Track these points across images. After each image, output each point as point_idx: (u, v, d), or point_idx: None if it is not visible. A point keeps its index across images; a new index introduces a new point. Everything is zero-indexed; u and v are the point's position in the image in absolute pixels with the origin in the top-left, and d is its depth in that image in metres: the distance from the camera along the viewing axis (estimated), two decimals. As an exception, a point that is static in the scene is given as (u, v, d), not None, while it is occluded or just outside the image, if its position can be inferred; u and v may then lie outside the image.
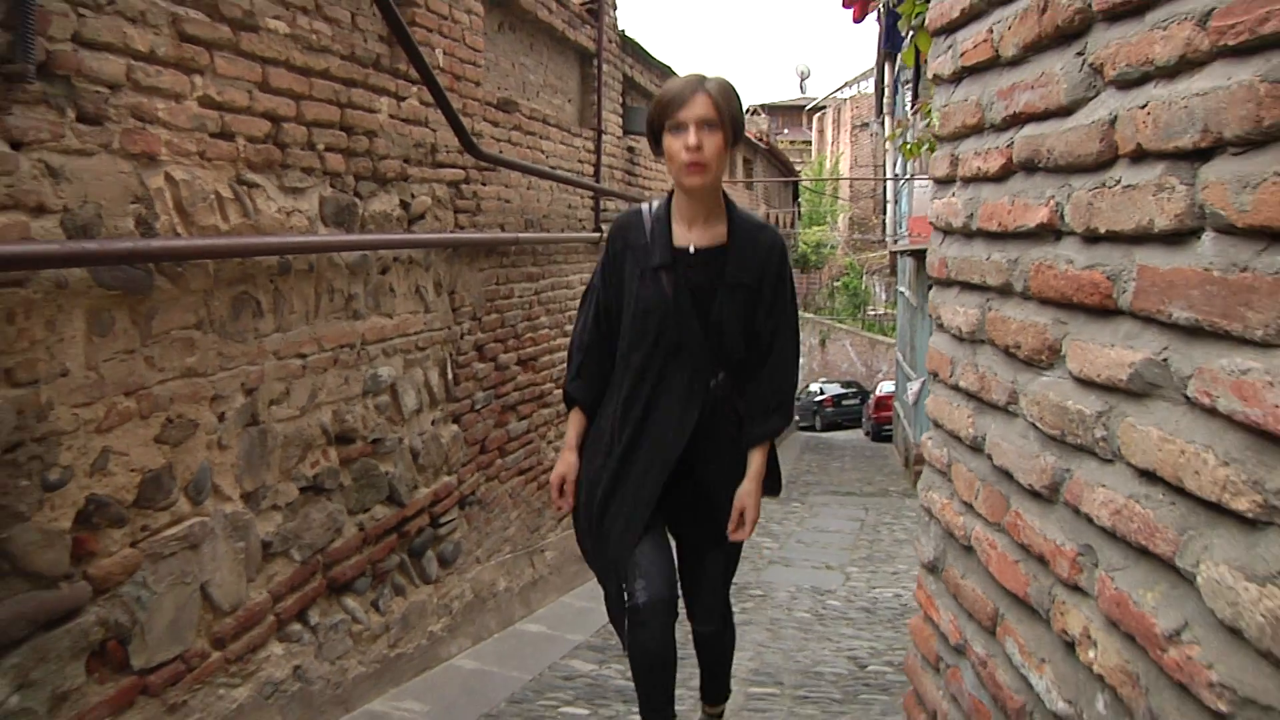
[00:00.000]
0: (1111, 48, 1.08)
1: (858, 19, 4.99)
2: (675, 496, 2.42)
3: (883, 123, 17.47)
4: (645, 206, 2.48)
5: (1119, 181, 1.05)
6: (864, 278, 35.60)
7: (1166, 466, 0.96)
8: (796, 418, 23.63)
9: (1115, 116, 1.06)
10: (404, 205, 3.82)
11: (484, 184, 4.56)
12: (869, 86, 34.62)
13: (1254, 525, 0.83)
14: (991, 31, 1.42)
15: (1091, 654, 1.10)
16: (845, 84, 45.18)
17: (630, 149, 7.26)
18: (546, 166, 5.38)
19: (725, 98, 2.28)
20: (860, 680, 4.28)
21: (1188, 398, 0.93)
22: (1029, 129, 1.30)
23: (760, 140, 15.96)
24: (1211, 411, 0.89)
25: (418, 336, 3.94)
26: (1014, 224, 1.33)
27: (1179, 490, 0.94)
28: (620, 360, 2.45)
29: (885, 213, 25.98)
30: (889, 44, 13.36)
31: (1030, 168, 1.29)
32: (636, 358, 2.39)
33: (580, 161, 6.15)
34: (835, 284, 37.04)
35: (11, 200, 2.08)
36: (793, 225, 24.82)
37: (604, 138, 6.47)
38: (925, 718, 1.77)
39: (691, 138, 2.22)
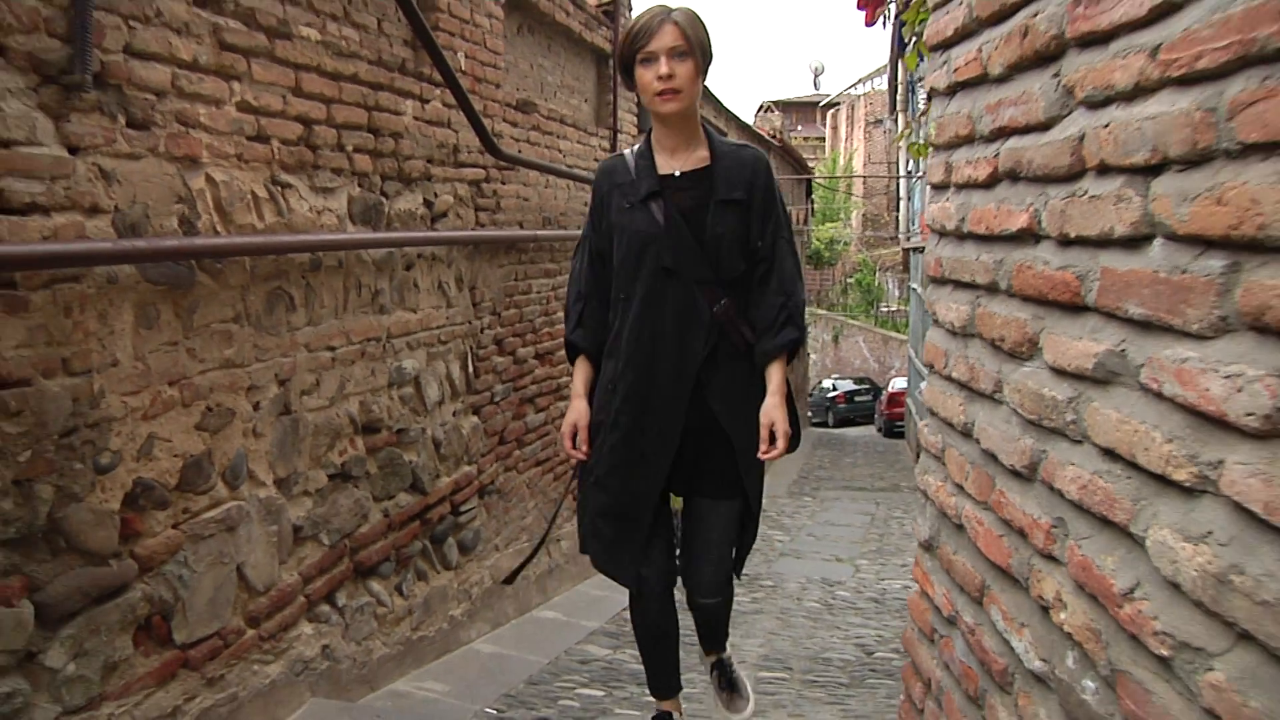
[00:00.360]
0: (1081, 72, 1.21)
1: (869, 23, 5.11)
2: (685, 436, 2.39)
3: (895, 120, 17.56)
4: (627, 150, 2.52)
5: (1086, 192, 1.18)
6: (877, 274, 35.64)
7: (1124, 445, 1.08)
8: (810, 413, 23.73)
9: (1084, 134, 1.19)
10: (427, 204, 3.96)
11: (503, 183, 4.70)
12: (883, 83, 34.67)
13: (1191, 493, 0.96)
14: (981, 50, 1.54)
15: (1062, 615, 1.23)
16: (859, 80, 45.15)
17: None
18: (564, 165, 5.51)
19: (692, 26, 2.30)
20: (867, 666, 4.41)
21: (1141, 384, 1.06)
22: (1012, 141, 1.42)
23: (774, 138, 16.06)
24: (1159, 395, 1.02)
25: (440, 330, 4.08)
26: (999, 228, 1.46)
27: (1133, 465, 1.06)
28: (617, 298, 2.43)
29: (898, 210, 26.07)
30: (901, 43, 13.43)
31: (1013, 177, 1.42)
32: (636, 287, 2.38)
33: (595, 160, 6.28)
34: (848, 280, 37.10)
35: (69, 201, 2.22)
36: (805, 222, 24.90)
37: (619, 136, 6.60)
38: (921, 686, 1.90)
39: (663, 67, 2.25)
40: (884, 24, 4.43)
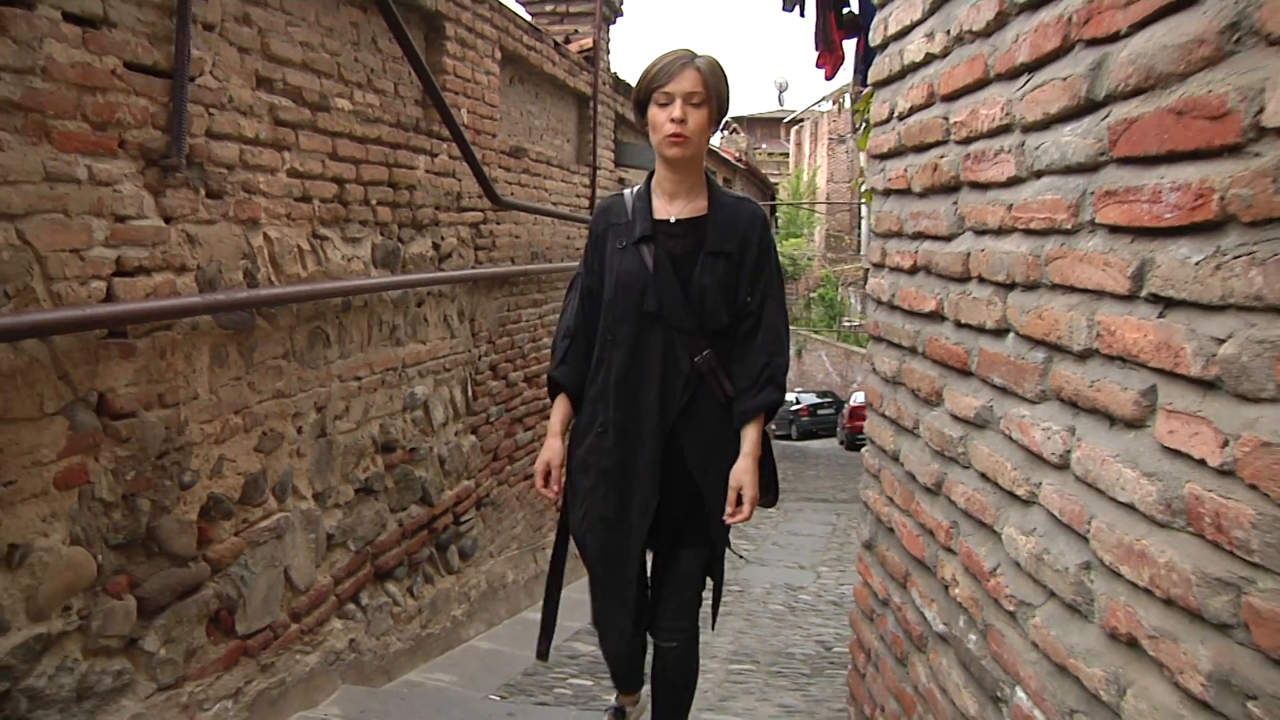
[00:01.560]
0: (970, 206, 1.71)
1: (829, 78, 5.64)
2: (660, 485, 2.37)
3: (856, 140, 18.20)
4: (627, 190, 2.51)
5: (970, 293, 1.69)
6: (840, 289, 36.34)
7: (991, 470, 1.59)
8: (772, 426, 24.28)
9: (970, 251, 1.70)
10: (435, 246, 4.43)
11: (498, 223, 5.18)
12: (846, 100, 35.45)
13: (1026, 503, 1.46)
14: (906, 170, 2.05)
15: (956, 590, 1.73)
16: (823, 98, 45.96)
17: (621, 180, 7.89)
18: (549, 204, 6.00)
19: (714, 75, 2.28)
20: (826, 659, 4.92)
21: (1001, 430, 1.56)
22: (926, 244, 1.93)
23: (739, 161, 16.63)
24: (1009, 438, 1.52)
25: (445, 359, 4.55)
26: (917, 307, 1.97)
27: (996, 485, 1.57)
28: (603, 338, 2.41)
29: (859, 227, 26.71)
30: (864, 68, 14.02)
31: (927, 271, 1.92)
32: (620, 332, 2.36)
33: (577, 196, 6.78)
34: (812, 295, 37.78)
35: (165, 263, 2.68)
36: (770, 239, 25.53)
37: (598, 173, 7.10)
38: (863, 656, 2.40)
39: (677, 110, 2.23)
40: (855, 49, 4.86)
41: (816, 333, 34.02)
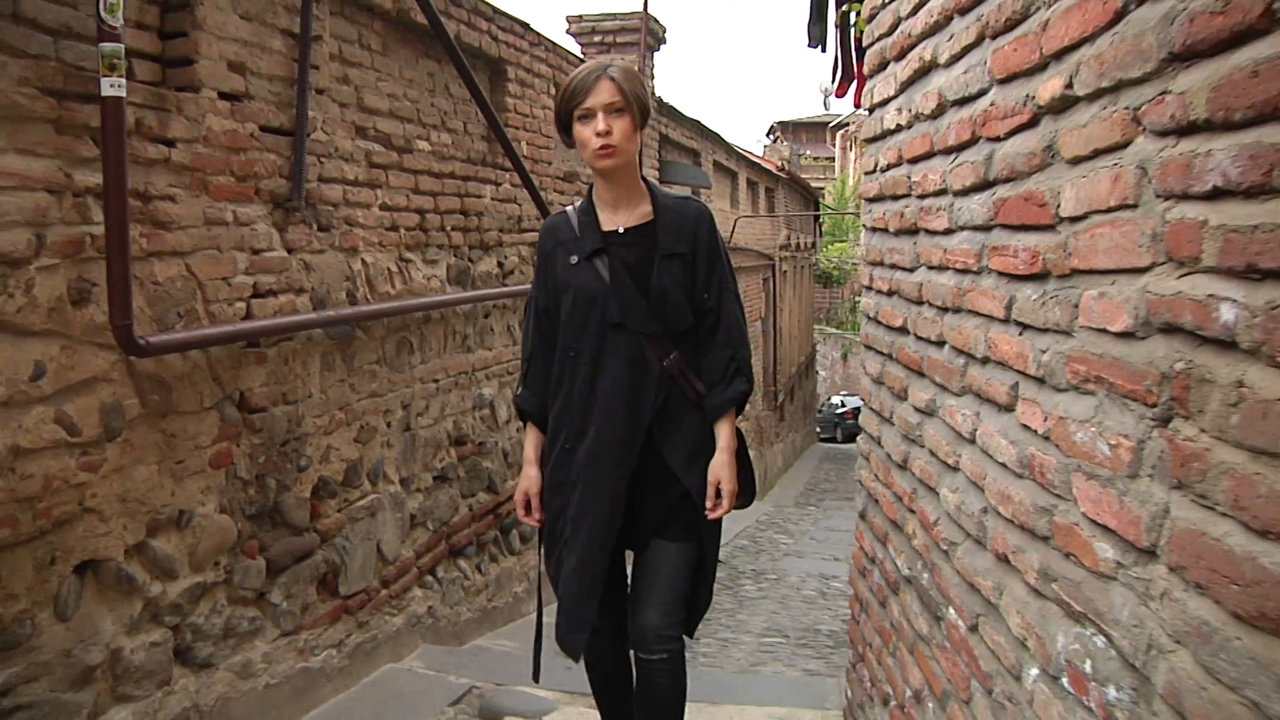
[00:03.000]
0: (923, 246, 2.24)
1: (857, 105, 6.12)
2: (636, 485, 2.36)
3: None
4: (569, 208, 2.50)
5: (923, 314, 2.21)
6: (885, 293, 36.44)
7: (936, 447, 2.11)
8: (817, 429, 24.67)
9: (922, 281, 2.22)
10: (500, 265, 5.02)
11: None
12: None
13: (954, 470, 1.98)
14: (885, 214, 2.58)
15: (915, 541, 2.25)
16: (867, 103, 46.02)
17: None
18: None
19: (629, 81, 2.31)
20: (848, 668, 5.41)
21: (940, 418, 2.09)
22: (897, 274, 2.45)
23: (781, 171, 17.10)
24: (945, 423, 2.04)
25: (508, 364, 5.13)
26: (891, 322, 2.49)
27: (937, 457, 2.09)
28: (566, 354, 2.39)
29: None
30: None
31: (898, 294, 2.45)
32: (585, 343, 2.35)
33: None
34: (857, 299, 38.05)
35: (288, 286, 3.28)
36: (814, 245, 25.92)
37: (643, 191, 7.66)
38: (858, 605, 2.93)
39: (600, 123, 2.25)
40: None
41: (854, 329, 34.28)
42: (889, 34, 2.56)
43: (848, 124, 48.51)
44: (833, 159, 50.02)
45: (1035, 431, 1.54)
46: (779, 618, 5.88)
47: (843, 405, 26.72)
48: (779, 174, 16.88)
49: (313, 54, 3.35)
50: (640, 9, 7.69)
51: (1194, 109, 1.09)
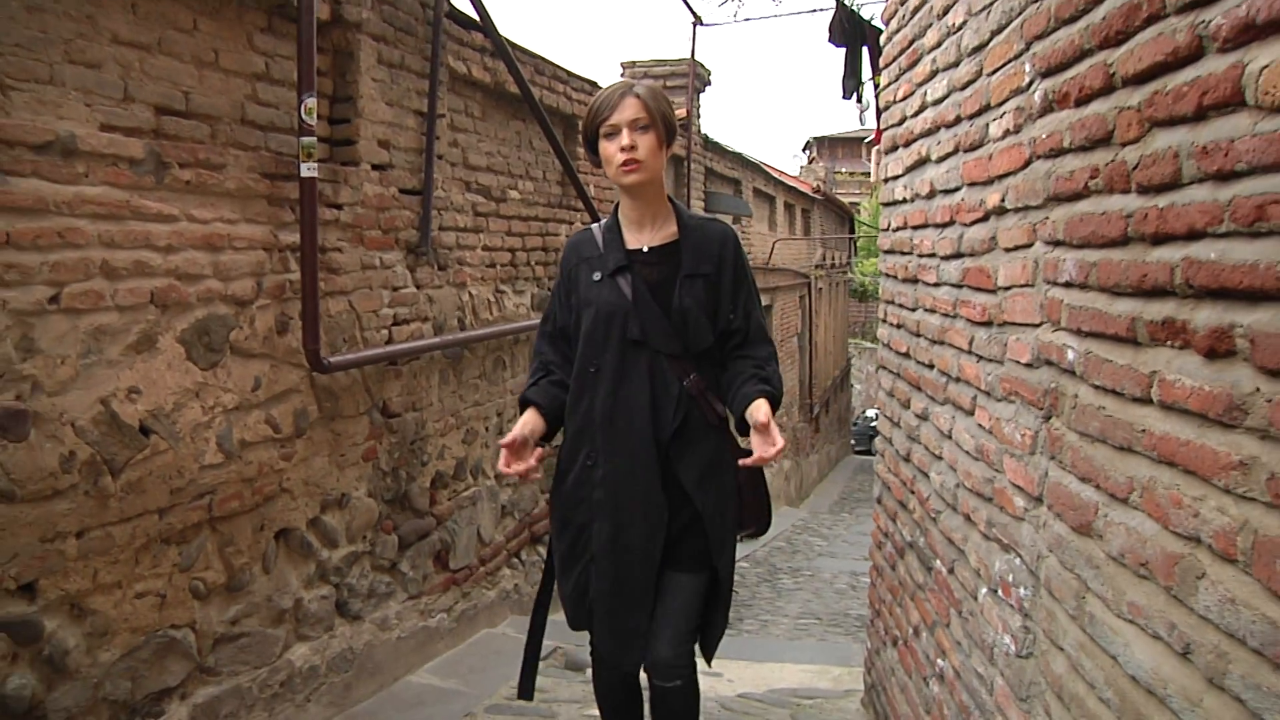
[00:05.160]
0: (919, 294, 2.97)
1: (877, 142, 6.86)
2: (665, 506, 2.34)
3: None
4: (595, 225, 2.50)
5: (920, 344, 2.95)
6: (920, 308, 36.86)
7: (927, 443, 2.84)
8: (852, 441, 25.27)
9: (919, 319, 2.96)
10: (571, 292, 5.81)
11: (614, 270, 6.54)
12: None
13: (938, 458, 2.71)
14: (894, 265, 3.32)
15: (915, 515, 2.98)
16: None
17: (709, 224, 9.22)
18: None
19: (654, 99, 2.32)
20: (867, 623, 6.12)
21: (931, 421, 2.82)
22: (903, 312, 3.19)
23: (816, 192, 17.82)
24: (934, 424, 2.78)
25: (576, 378, 5.91)
26: (899, 349, 3.23)
27: (928, 450, 2.82)
28: (583, 370, 2.36)
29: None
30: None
31: (903, 327, 3.18)
32: (605, 360, 2.33)
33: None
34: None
35: (417, 316, 4.08)
36: (848, 262, 26.56)
37: (690, 220, 8.44)
38: (875, 573, 3.66)
39: (625, 139, 2.26)
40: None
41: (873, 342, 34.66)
42: (898, 125, 3.31)
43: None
44: (868, 174, 50.56)
45: (984, 428, 2.29)
46: (813, 605, 6.60)
47: (877, 418, 27.17)
48: (814, 196, 17.60)
49: (435, 127, 4.16)
50: (688, 56, 8.48)
51: (1058, 232, 1.84)
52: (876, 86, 6.16)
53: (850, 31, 6.64)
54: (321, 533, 3.53)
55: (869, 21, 6.59)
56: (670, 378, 2.35)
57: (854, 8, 6.61)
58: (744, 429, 2.32)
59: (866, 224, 37.34)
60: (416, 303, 4.08)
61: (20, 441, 2.35)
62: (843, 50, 6.71)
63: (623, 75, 8.81)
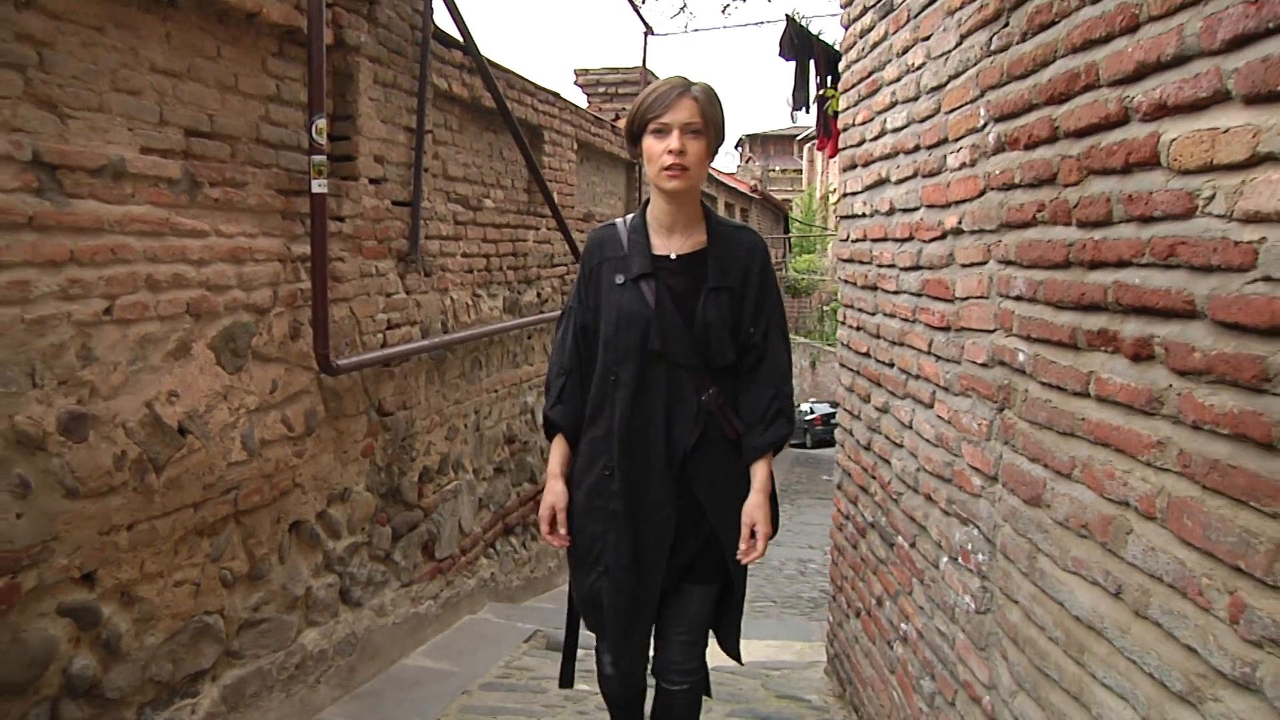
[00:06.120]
0: (879, 299, 3.33)
1: (831, 157, 7.25)
2: (674, 523, 2.35)
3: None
4: (620, 221, 2.43)
5: (880, 344, 3.31)
6: (852, 304, 37.62)
7: (888, 433, 3.20)
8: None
9: (879, 323, 3.32)
10: (538, 295, 6.09)
11: (573, 273, 6.83)
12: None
13: (899, 446, 3.07)
14: (854, 272, 3.68)
15: (877, 497, 3.34)
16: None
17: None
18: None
19: (710, 104, 2.25)
20: (827, 596, 6.51)
21: (891, 413, 3.18)
22: (862, 316, 3.55)
23: (754, 192, 18.29)
24: (894, 416, 3.14)
25: (542, 377, 6.19)
26: (859, 349, 3.59)
27: (889, 439, 3.19)
28: (606, 377, 2.33)
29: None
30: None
31: (863, 330, 3.54)
32: (625, 369, 2.30)
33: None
34: (825, 309, 39.29)
35: (407, 320, 4.34)
36: (783, 258, 27.15)
37: (643, 223, 8.78)
38: (836, 551, 4.03)
39: (675, 142, 2.19)
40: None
41: (830, 345, 35.49)
42: (857, 146, 3.67)
43: (814, 137, 49.89)
44: (800, 171, 51.36)
45: (943, 419, 2.65)
46: (766, 589, 6.99)
47: (811, 412, 27.63)
48: (752, 195, 18.05)
49: (423, 142, 4.42)
50: (640, 64, 8.79)
51: (1010, 254, 2.20)
52: (823, 100, 6.55)
53: (799, 46, 7.03)
54: (327, 525, 3.78)
55: (817, 36, 6.98)
56: (689, 391, 2.31)
57: (803, 23, 6.98)
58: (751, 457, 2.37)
59: (799, 221, 38.07)
60: (406, 308, 4.33)
61: (81, 442, 2.58)
62: (792, 64, 7.09)
63: (576, 82, 9.10)
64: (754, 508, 2.32)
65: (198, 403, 3.01)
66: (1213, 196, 1.44)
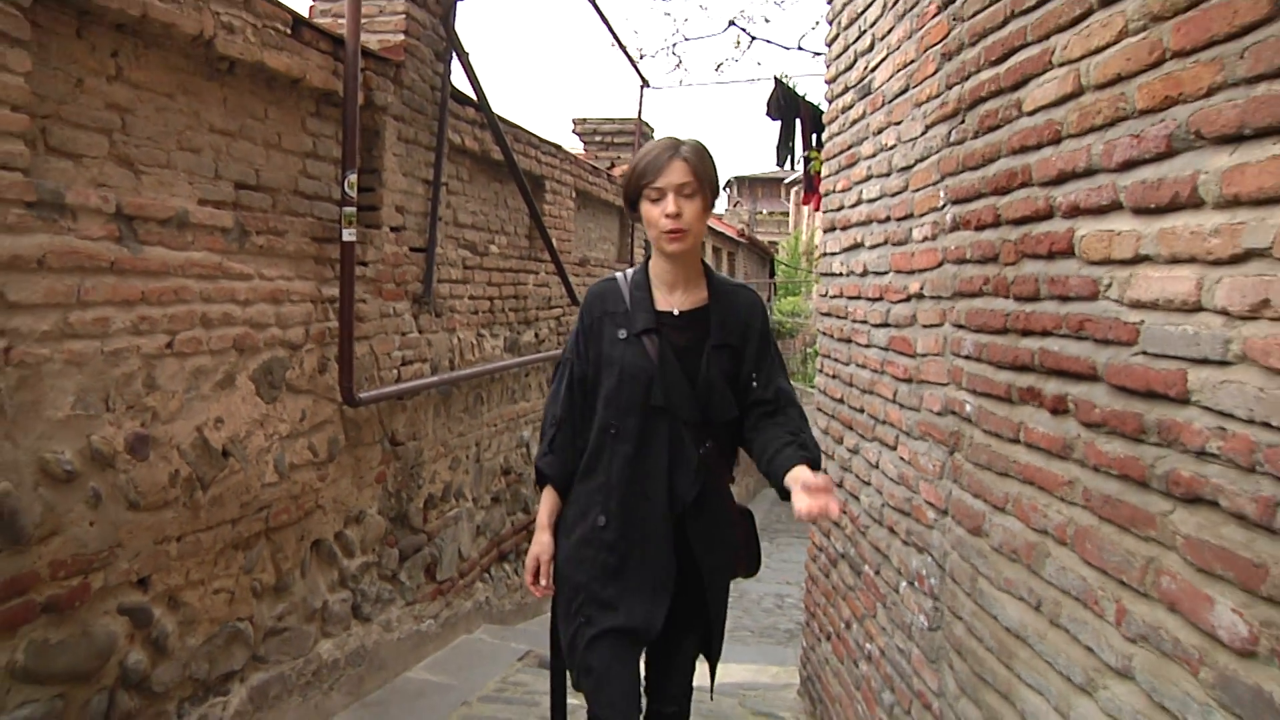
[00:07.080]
0: (852, 351, 3.71)
1: (816, 209, 7.67)
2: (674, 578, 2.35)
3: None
4: (620, 275, 2.45)
5: (853, 393, 3.67)
6: (834, 347, 38.13)
7: (858, 472, 3.56)
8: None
9: (852, 373, 3.68)
10: (536, 335, 6.46)
11: (569, 315, 7.20)
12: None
13: (867, 484, 3.43)
14: (830, 326, 4.05)
15: (847, 531, 3.70)
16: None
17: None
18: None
19: (701, 162, 2.28)
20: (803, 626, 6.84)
21: (861, 455, 3.54)
22: (838, 365, 3.92)
23: (740, 236, 18.75)
24: (864, 458, 3.49)
25: (538, 414, 6.54)
26: (833, 395, 3.96)
27: (858, 478, 3.54)
28: (603, 429, 2.34)
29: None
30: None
31: (838, 378, 3.91)
32: (626, 423, 2.32)
33: (619, 286, 8.84)
34: (808, 350, 39.76)
35: (419, 357, 4.69)
36: (770, 300, 27.65)
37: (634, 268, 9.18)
38: (810, 581, 4.37)
39: (671, 205, 2.22)
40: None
41: (812, 388, 35.87)
42: (837, 211, 4.06)
43: (799, 181, 50.60)
44: (787, 214, 52.05)
45: (905, 460, 3.02)
46: (744, 620, 7.30)
47: (793, 453, 28.10)
48: (738, 239, 18.51)
49: (439, 193, 4.79)
50: (636, 115, 9.23)
51: (960, 318, 2.57)
52: (808, 160, 6.99)
53: (785, 106, 7.47)
54: (344, 544, 4.10)
55: (803, 98, 7.44)
56: (689, 446, 2.32)
57: (790, 84, 7.44)
58: (784, 494, 2.15)
59: (785, 264, 38.64)
60: (419, 346, 4.68)
61: (144, 461, 2.91)
62: (778, 123, 7.54)
63: (574, 130, 9.52)
64: (799, 470, 2.12)
65: (239, 429, 3.35)
66: (1110, 284, 1.81)
